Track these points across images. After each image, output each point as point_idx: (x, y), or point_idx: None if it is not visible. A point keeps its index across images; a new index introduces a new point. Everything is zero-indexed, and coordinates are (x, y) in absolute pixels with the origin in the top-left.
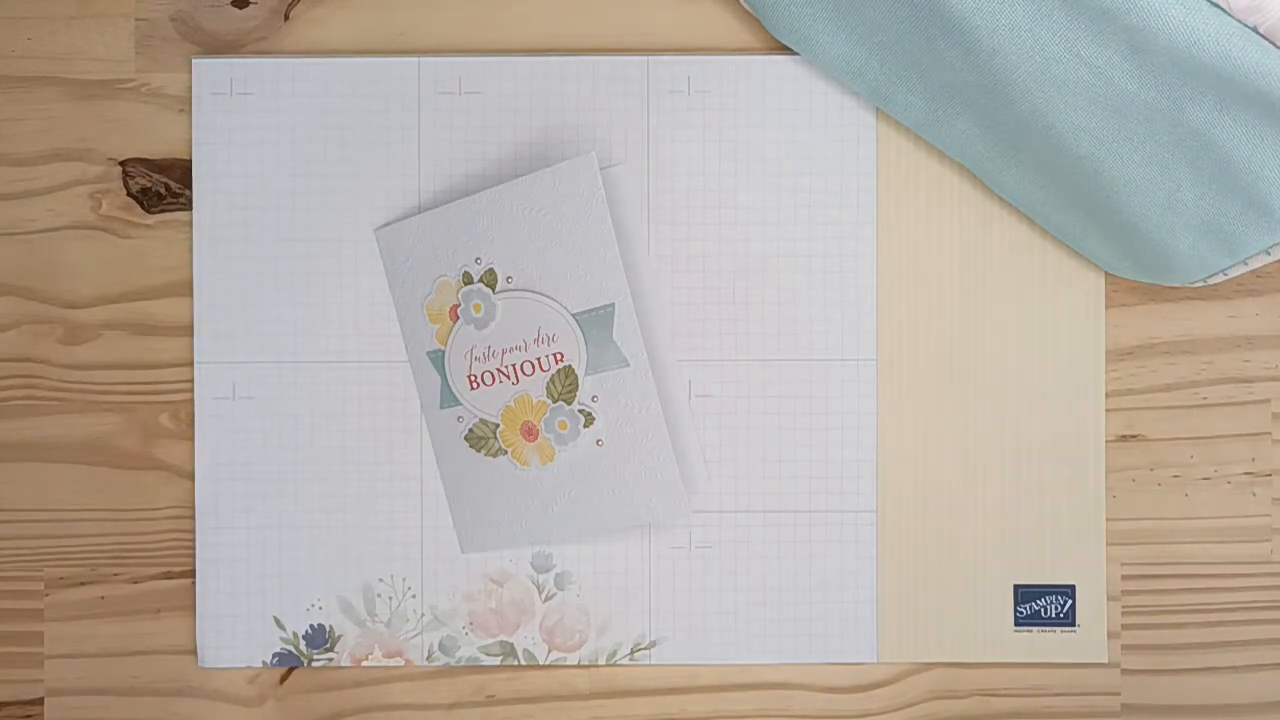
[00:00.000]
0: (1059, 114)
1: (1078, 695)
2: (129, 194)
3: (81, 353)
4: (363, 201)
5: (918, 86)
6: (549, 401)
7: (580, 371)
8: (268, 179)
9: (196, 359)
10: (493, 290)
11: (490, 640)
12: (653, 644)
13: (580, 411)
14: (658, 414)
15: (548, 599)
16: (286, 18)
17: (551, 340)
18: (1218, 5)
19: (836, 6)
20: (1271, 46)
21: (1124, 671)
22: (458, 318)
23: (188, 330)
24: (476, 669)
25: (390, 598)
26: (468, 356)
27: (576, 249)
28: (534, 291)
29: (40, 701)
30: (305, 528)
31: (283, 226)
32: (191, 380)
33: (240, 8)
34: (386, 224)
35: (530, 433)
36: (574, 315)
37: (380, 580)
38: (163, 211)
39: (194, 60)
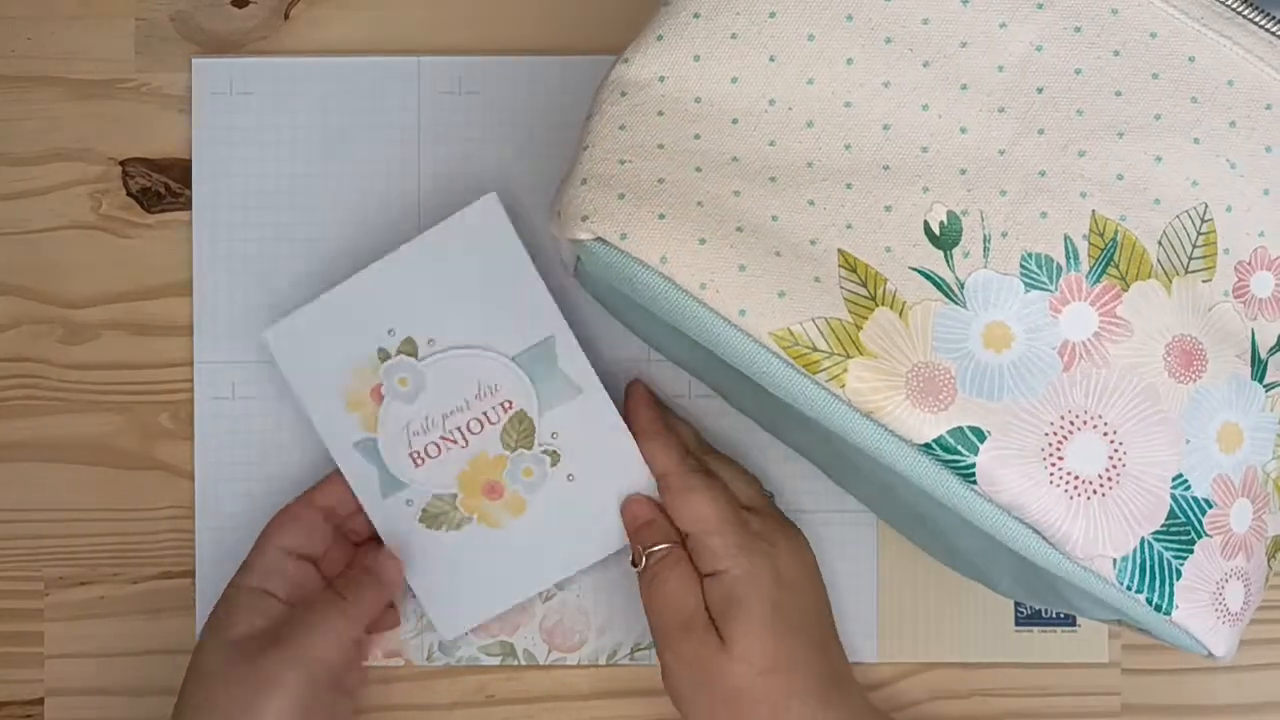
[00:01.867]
0: (870, 467)
1: (1078, 695)
2: (129, 194)
3: (81, 353)
4: (363, 202)
5: (746, 407)
6: (508, 453)
7: (534, 413)
8: (268, 179)
9: (196, 359)
10: (415, 358)
11: (490, 640)
12: (653, 644)
13: (545, 453)
14: (622, 430)
15: (547, 599)
16: (286, 18)
17: (495, 391)
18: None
19: (657, 344)
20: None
21: (1124, 671)
22: (382, 397)
23: (188, 330)
24: (476, 669)
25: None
26: (404, 433)
27: (499, 291)
28: (463, 347)
29: (40, 701)
30: None
31: (282, 226)
32: (191, 380)
33: (240, 8)
34: (272, 323)
35: (494, 491)
36: (513, 359)
37: None
38: (163, 211)
39: (194, 60)
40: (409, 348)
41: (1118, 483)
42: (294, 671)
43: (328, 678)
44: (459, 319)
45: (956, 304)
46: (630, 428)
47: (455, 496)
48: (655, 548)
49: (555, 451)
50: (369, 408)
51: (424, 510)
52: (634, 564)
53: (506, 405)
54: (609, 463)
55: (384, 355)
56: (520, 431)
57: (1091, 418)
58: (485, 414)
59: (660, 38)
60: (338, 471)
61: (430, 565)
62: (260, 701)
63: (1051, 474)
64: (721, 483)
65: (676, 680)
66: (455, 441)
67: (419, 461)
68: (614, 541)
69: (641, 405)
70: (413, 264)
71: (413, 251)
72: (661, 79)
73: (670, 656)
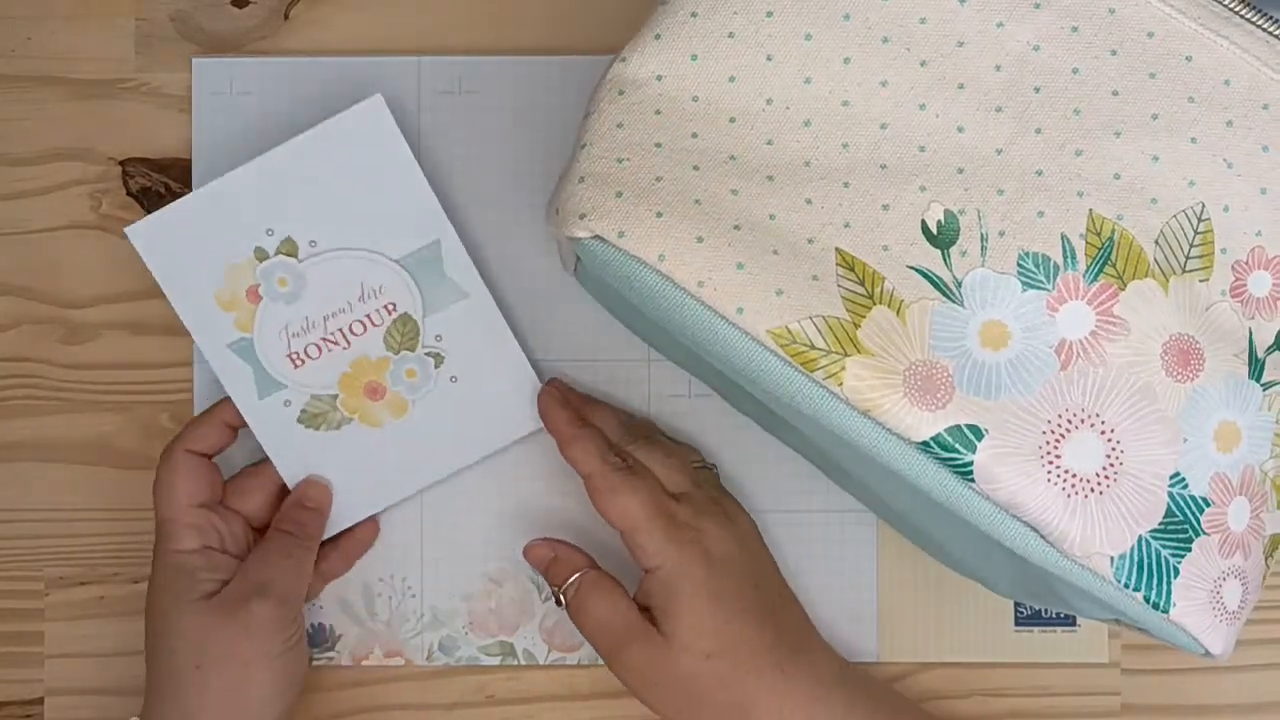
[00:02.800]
0: (864, 472)
1: (1078, 695)
2: (129, 194)
3: (81, 353)
4: None
5: (746, 407)
6: (391, 355)
7: (418, 316)
8: None
9: (196, 359)
10: (296, 259)
11: (490, 640)
12: None
13: (428, 355)
14: (506, 333)
15: (548, 599)
16: (286, 18)
17: (378, 293)
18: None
19: (656, 345)
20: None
21: (1124, 671)
22: (260, 298)
23: (188, 330)
24: (476, 669)
25: (390, 597)
26: (283, 335)
27: (384, 194)
28: (346, 249)
29: (40, 701)
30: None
31: None
32: (191, 380)
33: (240, 8)
34: (136, 221)
35: (376, 391)
36: (398, 261)
37: (380, 580)
38: None
39: (194, 60)
40: (289, 248)
41: (1115, 481)
42: (279, 611)
43: (298, 610)
44: (342, 221)
45: (954, 302)
46: (549, 431)
47: (336, 397)
48: (568, 583)
49: (439, 354)
50: (244, 308)
51: (303, 410)
52: (558, 603)
53: (390, 308)
54: (493, 364)
55: (261, 255)
56: (404, 334)
57: (1089, 416)
58: (368, 316)
59: (658, 36)
60: (203, 414)
61: (309, 464)
62: (257, 645)
63: (1049, 472)
64: (646, 476)
65: (636, 687)
66: (337, 343)
67: (298, 362)
68: (495, 441)
69: (554, 408)
70: (292, 164)
71: (292, 152)
72: (659, 78)
73: (621, 670)
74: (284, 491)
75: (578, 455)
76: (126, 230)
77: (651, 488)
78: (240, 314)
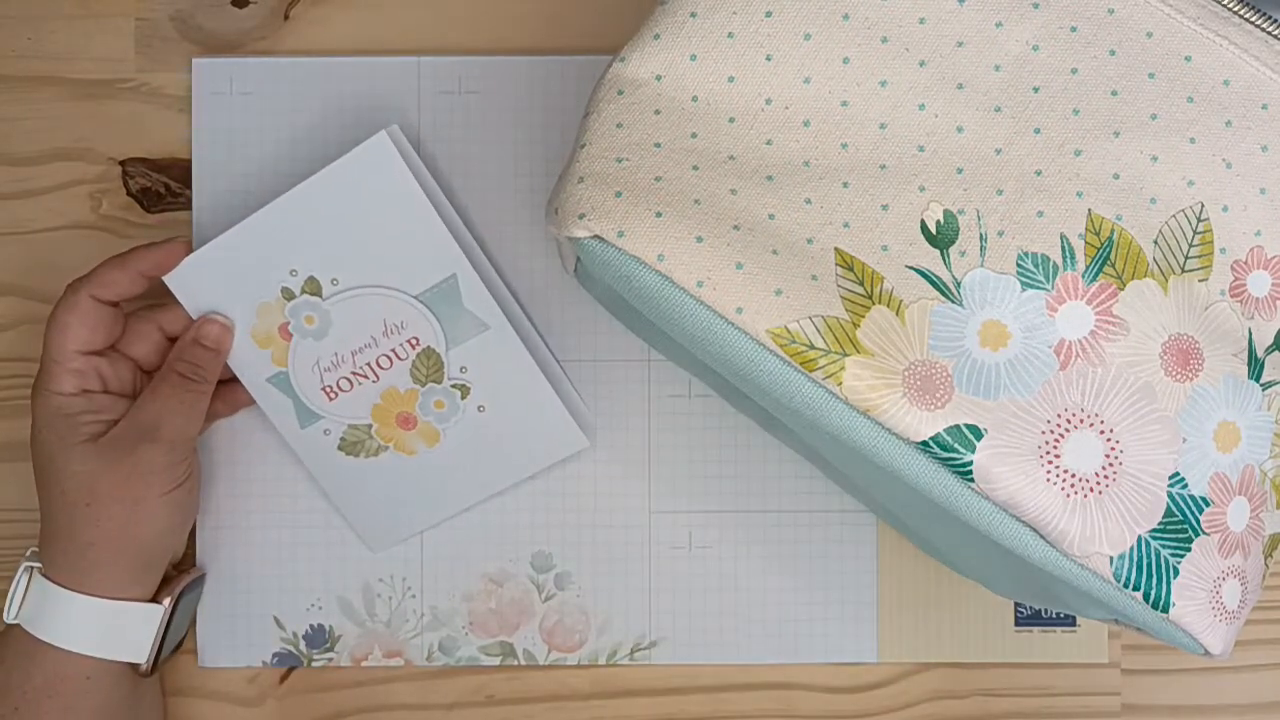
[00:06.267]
0: (862, 476)
1: (1078, 695)
2: (129, 194)
3: None
4: None
5: (746, 407)
6: (418, 387)
7: (441, 349)
8: (267, 179)
9: None
10: (320, 298)
11: (490, 640)
12: (653, 644)
13: (454, 386)
14: (530, 364)
15: (547, 599)
16: (286, 18)
17: (401, 328)
18: (980, 494)
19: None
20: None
21: (1124, 671)
22: (290, 335)
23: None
24: (476, 669)
25: (390, 598)
26: (315, 370)
27: (398, 231)
28: (366, 286)
29: None
30: (305, 527)
31: None
32: None
33: (240, 8)
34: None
35: (407, 421)
36: (416, 297)
37: (380, 580)
38: (163, 211)
39: (194, 60)
40: (312, 287)
41: (1115, 481)
42: (168, 454)
43: (190, 449)
44: (360, 258)
45: (953, 303)
46: None
47: (370, 426)
48: None
49: (465, 385)
50: (279, 345)
51: (342, 439)
52: None
53: (413, 342)
54: (517, 393)
55: (288, 295)
56: (429, 367)
57: (1088, 416)
58: (394, 350)
59: (657, 36)
60: (107, 262)
61: (353, 488)
62: (148, 486)
63: (1048, 472)
64: None
65: None
66: (366, 377)
67: (332, 395)
68: (529, 468)
69: None
70: (309, 204)
71: (307, 191)
72: (658, 78)
73: None
74: (175, 339)
75: None
76: (165, 279)
77: None
78: (276, 350)
